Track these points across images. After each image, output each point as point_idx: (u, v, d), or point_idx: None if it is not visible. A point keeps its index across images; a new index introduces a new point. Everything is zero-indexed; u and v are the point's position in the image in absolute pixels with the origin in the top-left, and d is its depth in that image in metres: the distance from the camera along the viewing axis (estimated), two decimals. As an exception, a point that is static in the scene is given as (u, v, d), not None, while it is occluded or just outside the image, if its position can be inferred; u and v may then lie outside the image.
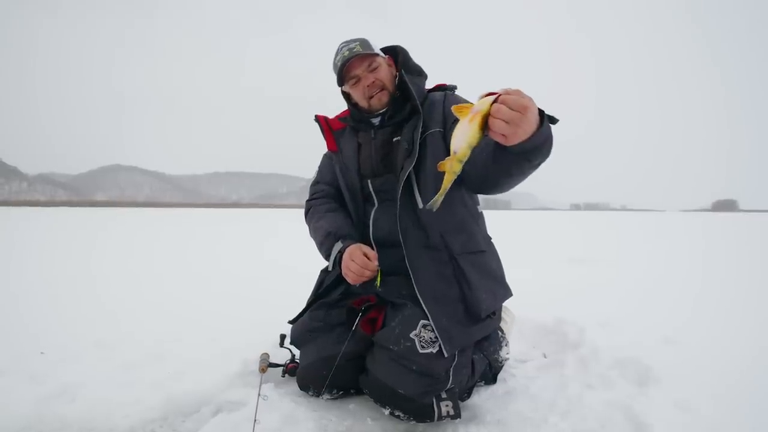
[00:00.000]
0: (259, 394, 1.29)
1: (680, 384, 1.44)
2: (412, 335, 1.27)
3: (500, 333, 1.58)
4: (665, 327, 2.10)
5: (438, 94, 1.52)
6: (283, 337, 1.65)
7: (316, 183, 1.71)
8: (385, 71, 1.50)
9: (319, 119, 1.66)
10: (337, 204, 1.62)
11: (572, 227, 14.31)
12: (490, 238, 1.60)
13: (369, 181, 1.51)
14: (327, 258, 1.49)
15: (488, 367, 1.54)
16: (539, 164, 1.12)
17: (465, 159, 0.98)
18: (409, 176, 1.38)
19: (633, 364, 1.57)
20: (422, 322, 1.30)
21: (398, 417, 1.30)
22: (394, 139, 1.48)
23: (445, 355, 1.25)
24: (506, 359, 1.61)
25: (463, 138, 0.95)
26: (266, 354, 1.61)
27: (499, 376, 1.60)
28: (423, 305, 1.29)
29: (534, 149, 1.03)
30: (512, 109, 0.93)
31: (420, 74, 1.58)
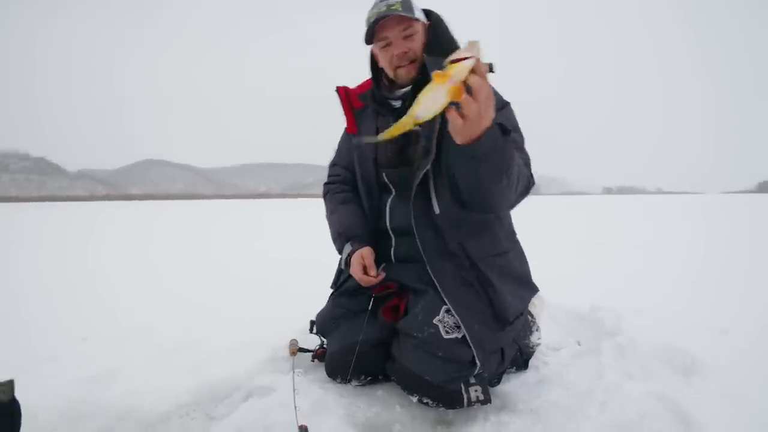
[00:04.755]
0: (293, 370, 1.31)
1: (729, 376, 1.36)
2: (435, 321, 1.24)
3: (530, 317, 1.53)
4: (710, 315, 2.00)
5: None
6: (312, 323, 1.66)
7: (333, 164, 1.68)
8: (420, 41, 1.35)
9: (339, 93, 1.54)
10: (352, 192, 1.59)
11: (604, 211, 13.85)
12: (515, 234, 1.53)
13: (384, 172, 1.46)
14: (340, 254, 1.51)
15: (518, 352, 1.49)
16: (498, 177, 1.07)
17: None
18: (426, 176, 1.30)
19: (676, 354, 1.49)
20: (444, 307, 1.27)
21: (427, 404, 1.27)
22: (414, 129, 1.41)
23: (478, 364, 1.22)
24: (537, 344, 1.56)
25: (432, 106, 0.88)
26: (295, 340, 1.63)
27: (532, 364, 1.56)
28: (455, 313, 1.24)
29: (484, 155, 1.00)
30: (479, 101, 0.89)
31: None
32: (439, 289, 1.29)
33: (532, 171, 1.30)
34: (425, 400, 1.27)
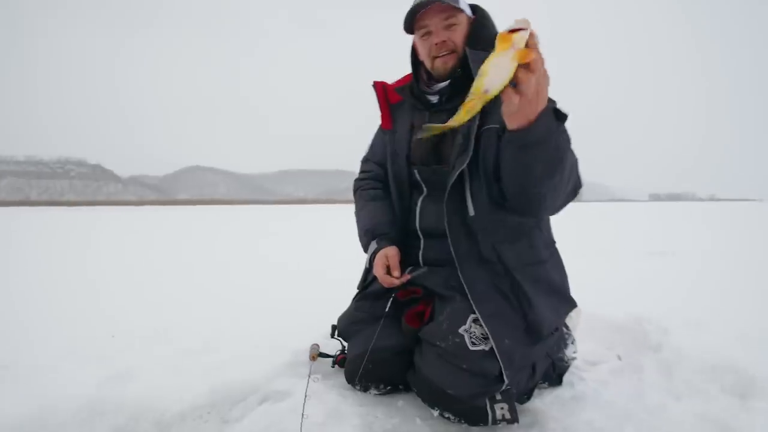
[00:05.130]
0: (309, 375, 1.26)
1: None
2: (461, 330, 1.16)
3: (565, 329, 1.42)
4: (770, 330, 1.79)
5: None
6: (334, 327, 1.62)
7: (366, 160, 1.64)
8: (462, 33, 1.29)
9: (376, 88, 1.48)
10: (382, 189, 1.53)
11: (651, 218, 13.14)
12: (554, 243, 1.42)
13: (417, 170, 1.39)
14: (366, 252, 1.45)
15: (552, 366, 1.38)
16: (552, 168, 0.98)
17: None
18: (461, 176, 1.22)
19: (730, 372, 1.35)
20: (472, 316, 1.18)
21: (448, 419, 1.19)
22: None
23: (505, 380, 1.13)
24: (573, 359, 1.45)
25: (499, 73, 0.79)
26: (316, 345, 1.59)
27: (566, 379, 1.44)
28: (483, 323, 1.15)
29: (537, 142, 0.93)
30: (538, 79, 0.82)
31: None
32: (469, 296, 1.20)
33: (579, 172, 1.19)
34: (447, 415, 1.19)
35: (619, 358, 1.65)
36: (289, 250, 5.53)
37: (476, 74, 1.23)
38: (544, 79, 0.85)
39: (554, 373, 1.42)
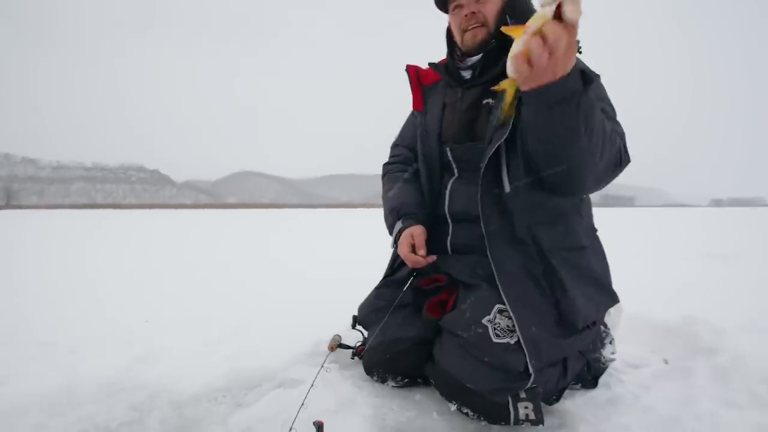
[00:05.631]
0: (322, 364, 1.22)
1: None
2: (484, 321, 1.07)
3: (602, 327, 1.30)
4: None
5: None
6: (355, 318, 1.58)
7: (395, 145, 1.59)
8: (495, 6, 1.24)
9: (409, 70, 1.44)
10: (411, 173, 1.47)
11: (713, 223, 12.19)
12: (595, 231, 1.31)
13: (448, 148, 1.32)
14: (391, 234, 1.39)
15: (586, 367, 1.27)
16: (575, 130, 0.91)
17: None
18: (497, 152, 1.13)
19: (798, 381, 1.17)
20: (498, 306, 1.09)
21: (467, 415, 1.11)
22: (484, 101, 1.25)
23: (531, 372, 1.03)
24: (611, 360, 1.32)
25: (516, 46, 0.79)
26: (338, 335, 1.56)
27: (603, 382, 1.31)
28: (508, 308, 1.07)
29: (557, 101, 0.87)
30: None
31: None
32: (496, 277, 1.11)
33: (627, 147, 1.10)
34: (465, 410, 1.11)
35: (666, 361, 1.49)
36: (328, 248, 5.59)
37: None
38: (565, 55, 0.79)
39: (589, 375, 1.30)
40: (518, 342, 1.04)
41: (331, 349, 1.47)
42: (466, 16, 1.24)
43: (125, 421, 1.12)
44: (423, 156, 1.39)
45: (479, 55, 1.27)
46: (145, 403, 1.19)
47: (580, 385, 1.30)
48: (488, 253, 1.15)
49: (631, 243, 5.40)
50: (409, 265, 1.30)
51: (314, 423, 0.97)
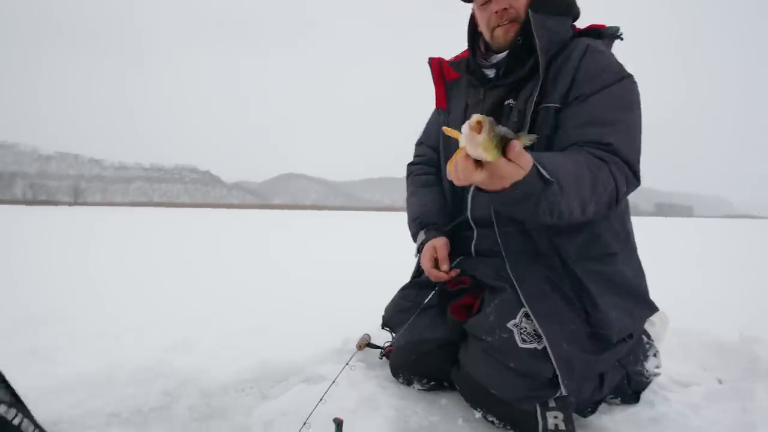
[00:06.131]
0: (347, 362, 1.22)
1: None
2: (510, 325, 1.02)
3: (645, 338, 1.21)
4: None
5: (582, 46, 1.13)
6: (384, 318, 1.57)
7: (420, 143, 1.56)
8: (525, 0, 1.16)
9: (432, 64, 1.37)
10: (435, 174, 1.45)
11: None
12: (629, 235, 1.20)
13: None
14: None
15: (626, 380, 1.18)
16: (536, 219, 0.91)
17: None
18: None
19: None
20: (524, 310, 1.04)
21: (492, 423, 1.07)
22: (506, 102, 1.18)
23: (563, 392, 0.98)
24: (656, 374, 1.22)
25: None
26: (368, 335, 1.55)
27: (645, 398, 1.22)
28: (537, 325, 1.01)
29: (511, 203, 0.87)
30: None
31: (562, 12, 1.17)
32: (520, 294, 1.06)
33: (638, 169, 1.03)
34: (491, 418, 1.07)
35: (720, 381, 1.37)
36: (363, 250, 5.63)
37: (539, 38, 1.10)
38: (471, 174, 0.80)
39: (629, 389, 1.20)
40: (545, 348, 0.99)
41: (359, 347, 1.47)
42: (497, 12, 1.16)
43: (156, 406, 1.16)
44: (445, 157, 1.36)
45: (505, 53, 1.20)
46: (176, 390, 1.23)
47: (619, 399, 1.21)
48: (508, 269, 1.11)
49: (687, 254, 5.04)
50: (432, 279, 1.27)
51: (334, 420, 0.96)
